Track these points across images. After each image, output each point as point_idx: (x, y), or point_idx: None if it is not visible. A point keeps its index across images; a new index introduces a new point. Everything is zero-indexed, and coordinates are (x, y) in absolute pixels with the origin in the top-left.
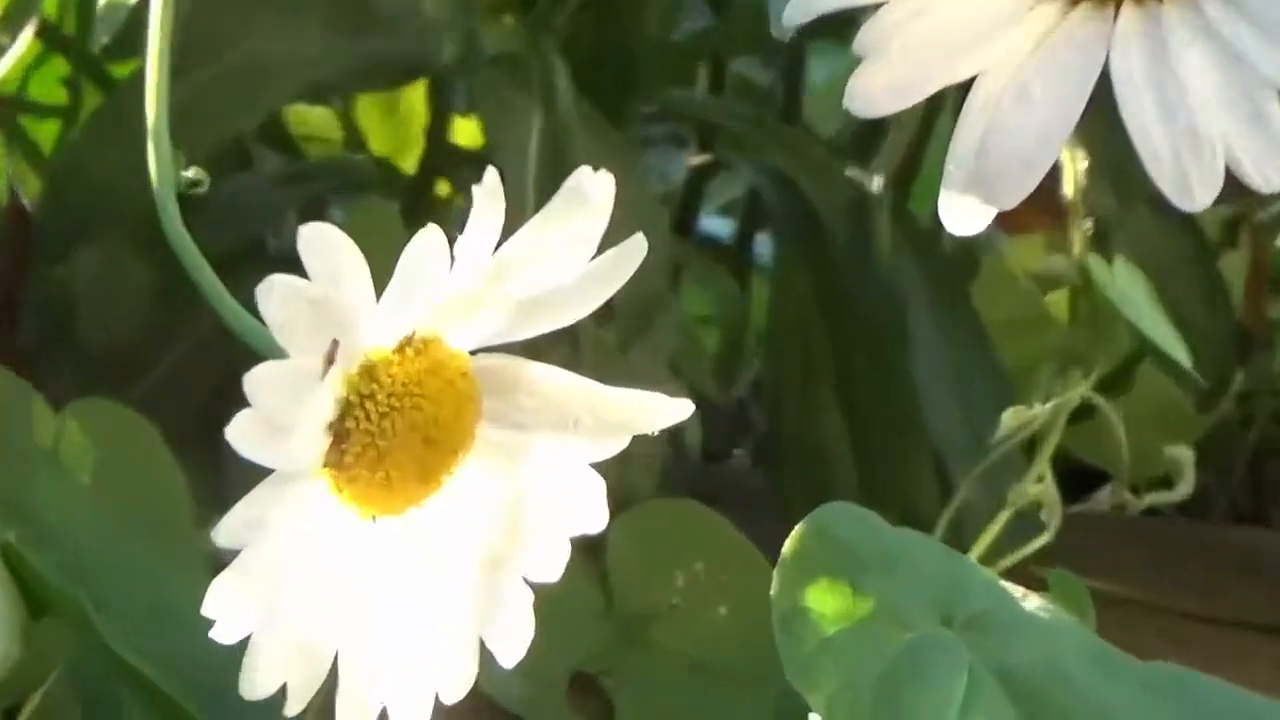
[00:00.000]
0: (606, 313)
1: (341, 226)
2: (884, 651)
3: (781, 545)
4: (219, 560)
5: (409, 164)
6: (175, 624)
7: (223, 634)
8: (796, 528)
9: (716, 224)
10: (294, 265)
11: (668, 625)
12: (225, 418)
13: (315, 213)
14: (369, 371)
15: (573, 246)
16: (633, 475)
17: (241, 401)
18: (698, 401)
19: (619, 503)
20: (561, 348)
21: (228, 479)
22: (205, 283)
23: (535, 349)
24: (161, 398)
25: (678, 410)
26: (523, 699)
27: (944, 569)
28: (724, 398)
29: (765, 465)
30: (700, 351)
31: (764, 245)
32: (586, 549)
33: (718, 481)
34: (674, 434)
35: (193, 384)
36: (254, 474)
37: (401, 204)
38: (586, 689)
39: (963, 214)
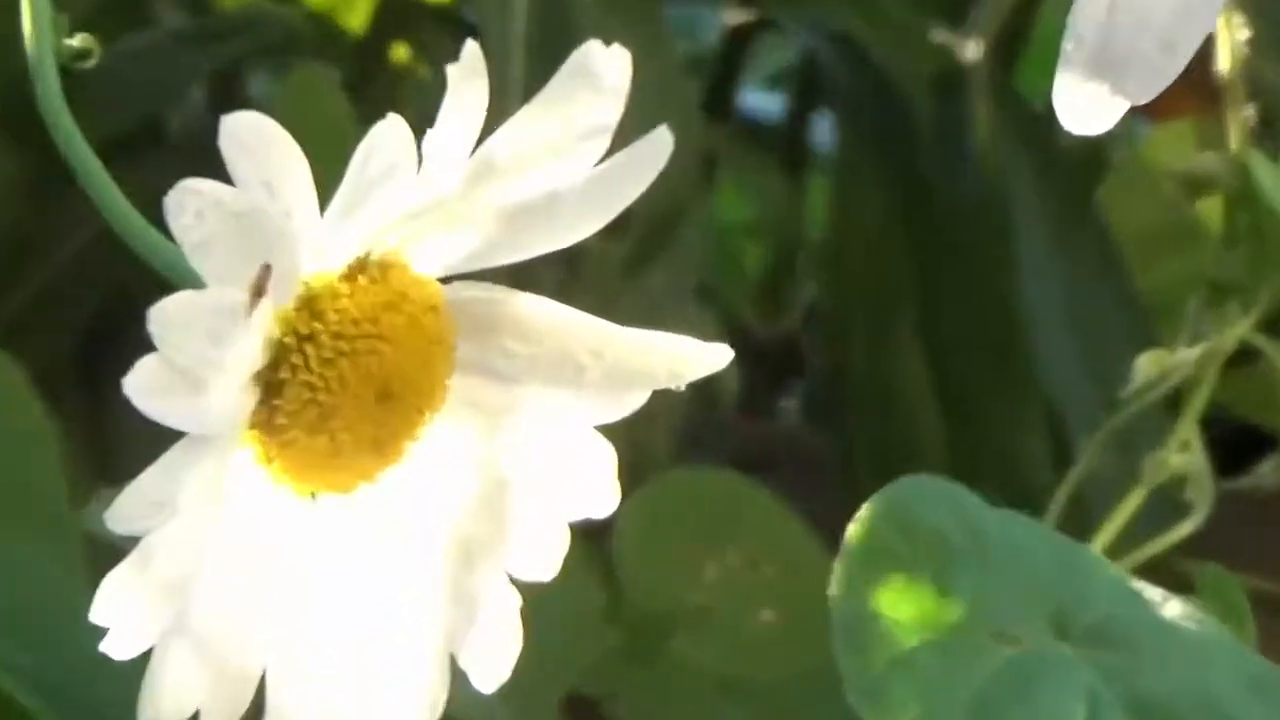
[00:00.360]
0: (616, 220)
1: (265, 106)
2: (978, 671)
3: (843, 527)
4: (107, 546)
5: (355, 21)
6: (45, 630)
7: (117, 646)
8: (864, 507)
9: (761, 101)
10: (203, 155)
11: (691, 633)
12: (114, 359)
13: (229, 86)
14: (309, 305)
15: (577, 143)
16: (647, 435)
17: (138, 340)
18: (735, 335)
19: (629, 473)
20: (553, 269)
21: (118, 440)
22: (92, 180)
23: (521, 273)
24: (27, 329)
25: (713, 357)
26: None
27: (1058, 563)
28: (769, 331)
29: (822, 421)
30: (739, 269)
31: (824, 130)
32: (587, 533)
33: (759, 443)
34: (702, 379)
35: (70, 312)
36: (157, 437)
37: (345, 74)
38: (585, 716)
39: (1084, 107)
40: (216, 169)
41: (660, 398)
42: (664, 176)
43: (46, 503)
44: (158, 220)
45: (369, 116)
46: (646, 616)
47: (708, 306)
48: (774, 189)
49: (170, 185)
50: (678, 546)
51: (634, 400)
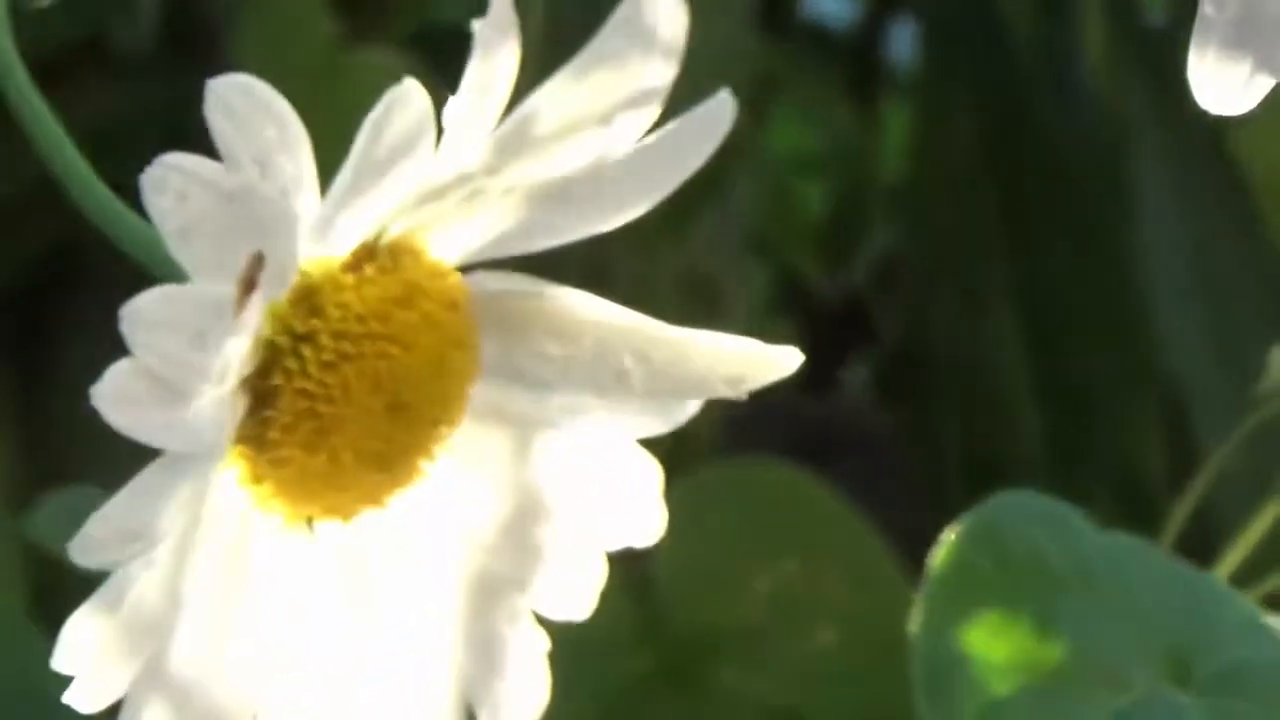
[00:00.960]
0: None
1: (230, 18)
2: None
3: (918, 528)
4: (51, 561)
5: None
6: None
7: (82, 698)
8: (951, 528)
9: (829, 6)
10: (156, 80)
11: (738, 657)
12: (54, 331)
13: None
14: (307, 299)
15: (624, 110)
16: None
17: (87, 311)
18: (791, 292)
19: (666, 466)
20: None
21: (61, 427)
22: (44, 134)
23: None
24: None
25: (781, 362)
26: None
27: (1178, 596)
28: (832, 288)
29: (894, 399)
30: (797, 214)
31: (903, 44)
32: None
33: (818, 425)
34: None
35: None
36: (103, 426)
37: None
38: None
39: (1224, 82)
40: (173, 94)
41: None
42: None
43: None
44: (109, 164)
45: (359, 30)
46: (686, 636)
47: (759, 258)
48: (841, 117)
49: (119, 120)
50: (723, 553)
51: (683, 411)
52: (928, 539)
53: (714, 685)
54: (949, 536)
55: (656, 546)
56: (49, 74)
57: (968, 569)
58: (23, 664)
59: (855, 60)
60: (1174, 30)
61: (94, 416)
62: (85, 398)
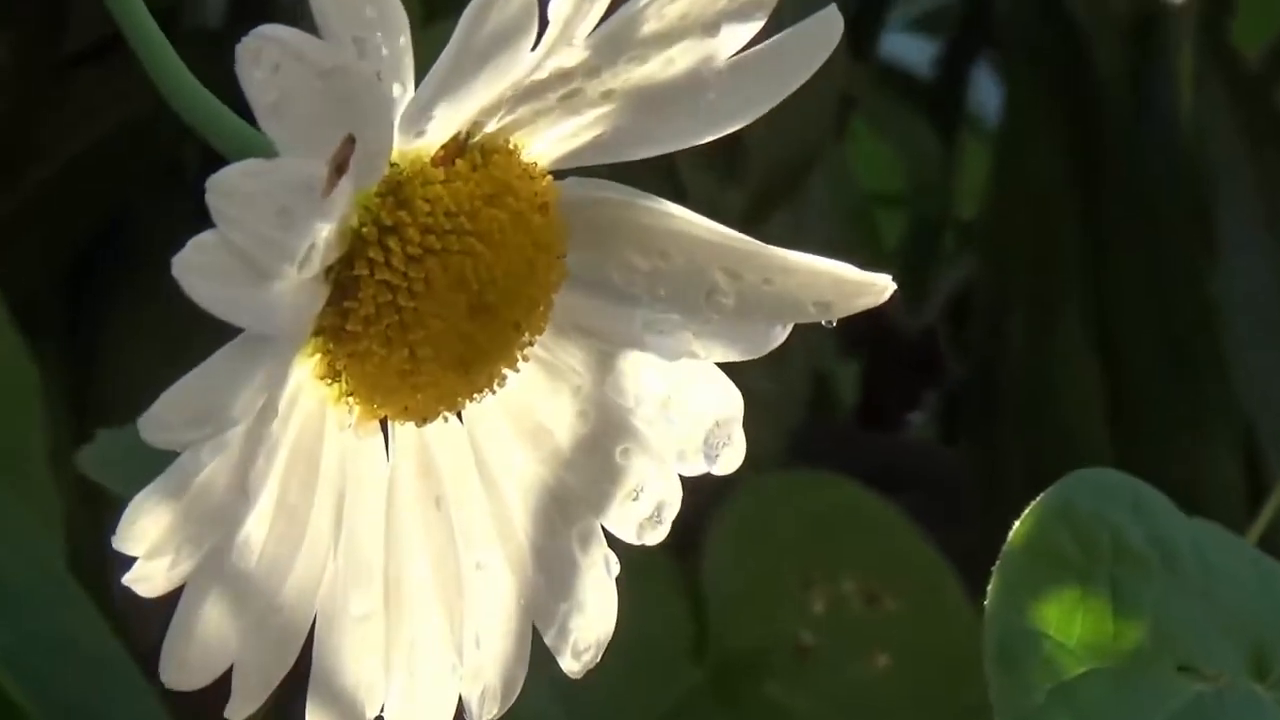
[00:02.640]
0: (730, 161)
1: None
2: (1157, 709)
3: (984, 567)
4: (99, 500)
5: None
6: (20, 600)
7: (141, 581)
8: (1031, 506)
9: (906, 47)
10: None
11: (790, 677)
12: (106, 290)
13: None
14: (396, 191)
15: (730, 19)
16: (755, 432)
17: (140, 267)
18: (862, 323)
19: (724, 479)
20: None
21: (107, 380)
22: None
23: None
24: (4, 250)
25: (872, 288)
26: None
27: (1263, 586)
28: (904, 321)
29: (963, 436)
30: (873, 240)
31: (986, 84)
32: (671, 548)
33: (882, 459)
34: (818, 378)
35: (56, 231)
36: (150, 376)
37: None
38: None
39: None
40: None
41: (775, 392)
42: (795, 112)
43: (22, 453)
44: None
45: None
46: (738, 653)
47: None
48: (921, 149)
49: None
50: (779, 569)
51: (772, 336)
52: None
53: (764, 703)
54: (1029, 512)
55: (712, 560)
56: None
57: (1046, 544)
58: (60, 616)
59: (934, 98)
60: (1266, 69)
61: (133, 368)
62: (126, 350)
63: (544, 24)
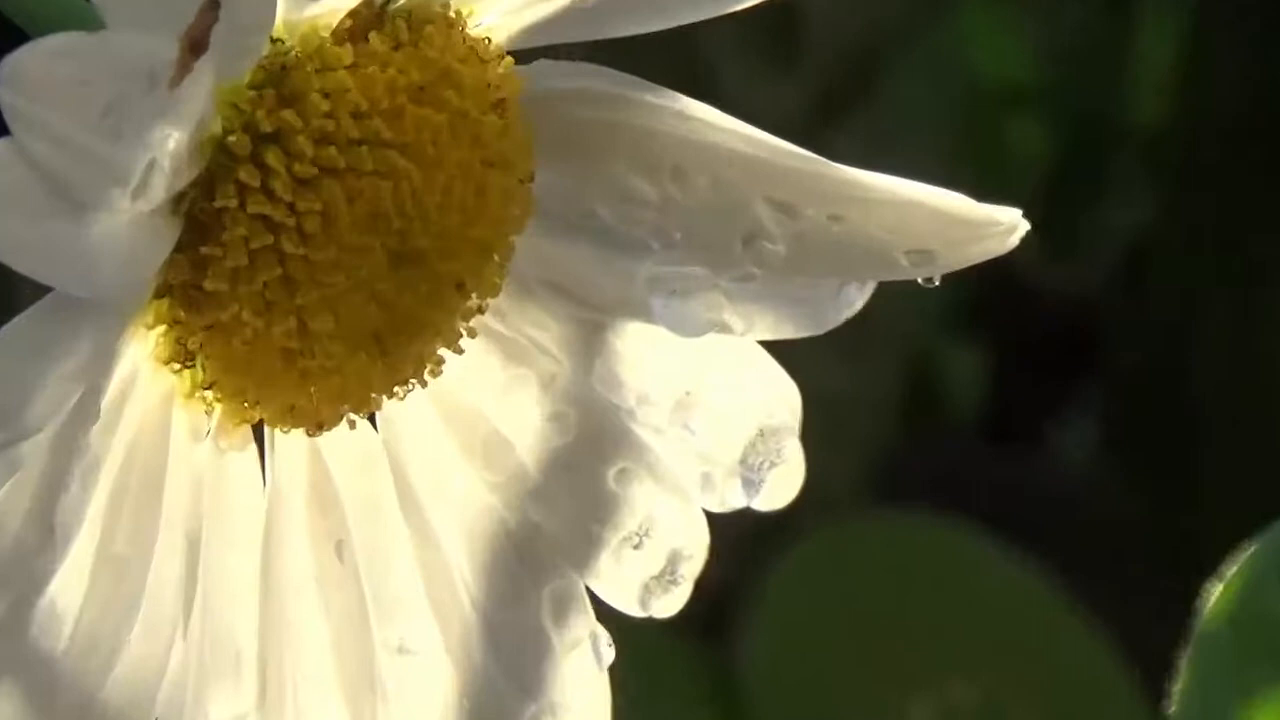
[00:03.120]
0: (782, 41)
1: None
2: None
3: (1164, 636)
4: None
5: None
6: None
7: None
8: (1236, 562)
9: None
10: None
11: None
12: None
13: None
14: (280, 80)
15: None
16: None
17: None
18: (985, 287)
19: (778, 524)
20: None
21: None
22: None
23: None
24: None
25: (1000, 227)
26: None
27: None
28: (1047, 283)
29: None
30: (996, 161)
31: None
32: (693, 623)
33: (1016, 491)
34: (915, 371)
35: None
36: None
37: None
38: None
39: None
40: None
41: (851, 391)
42: None
43: None
44: None
45: None
46: None
47: None
48: (1070, 22)
49: None
50: (856, 661)
51: (843, 301)
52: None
53: None
54: (1229, 576)
55: (757, 642)
56: None
57: (1252, 620)
58: None
59: None
60: None
61: None
62: None
63: None
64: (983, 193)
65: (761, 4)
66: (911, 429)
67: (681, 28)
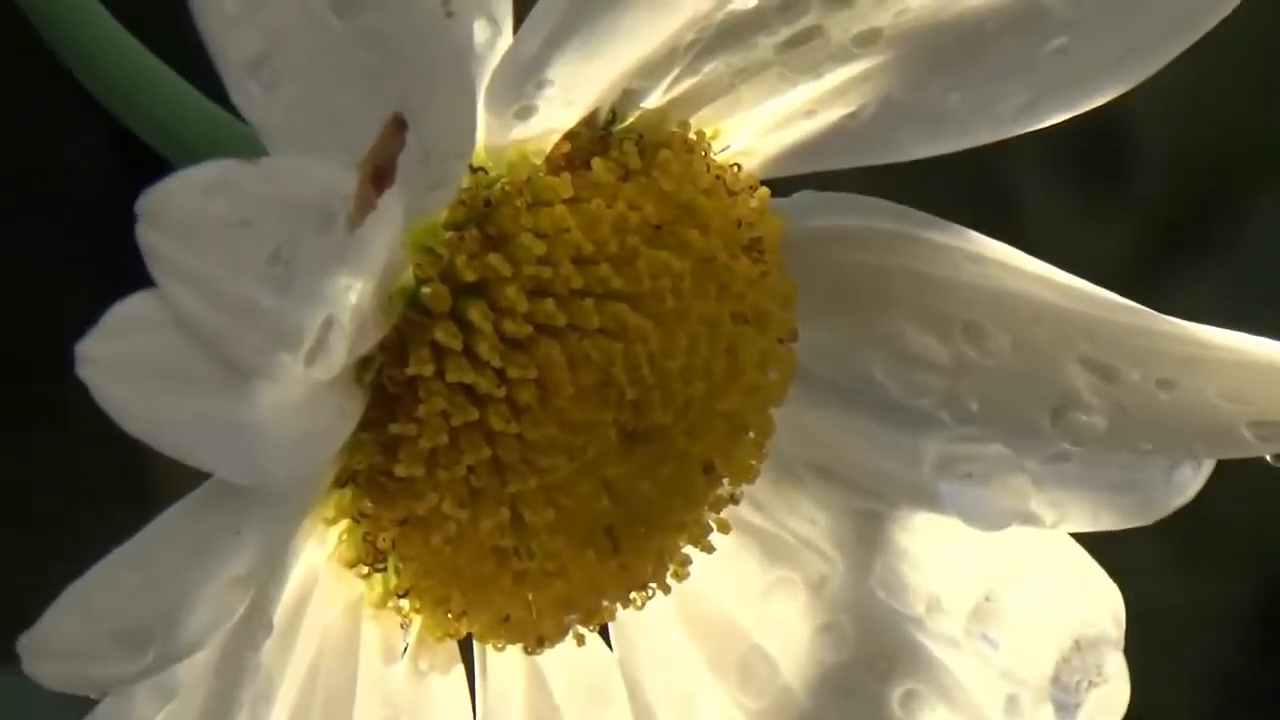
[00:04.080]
0: (1106, 166)
1: None
2: None
3: None
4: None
5: None
6: None
7: None
8: None
9: None
10: None
11: None
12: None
13: None
14: (484, 218)
15: None
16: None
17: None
18: None
19: None
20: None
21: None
22: None
23: None
24: None
25: None
26: None
27: None
28: None
29: None
30: None
31: None
32: None
33: None
34: (1270, 572)
35: None
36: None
37: None
38: None
39: None
40: None
41: (1189, 601)
42: (1223, 73)
43: None
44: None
45: None
46: None
47: None
48: None
49: None
50: None
51: (1175, 486)
52: None
53: None
54: None
55: None
56: None
57: None
58: None
59: None
60: None
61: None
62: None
63: None
64: None
65: (1077, 119)
66: (1260, 648)
67: (977, 150)
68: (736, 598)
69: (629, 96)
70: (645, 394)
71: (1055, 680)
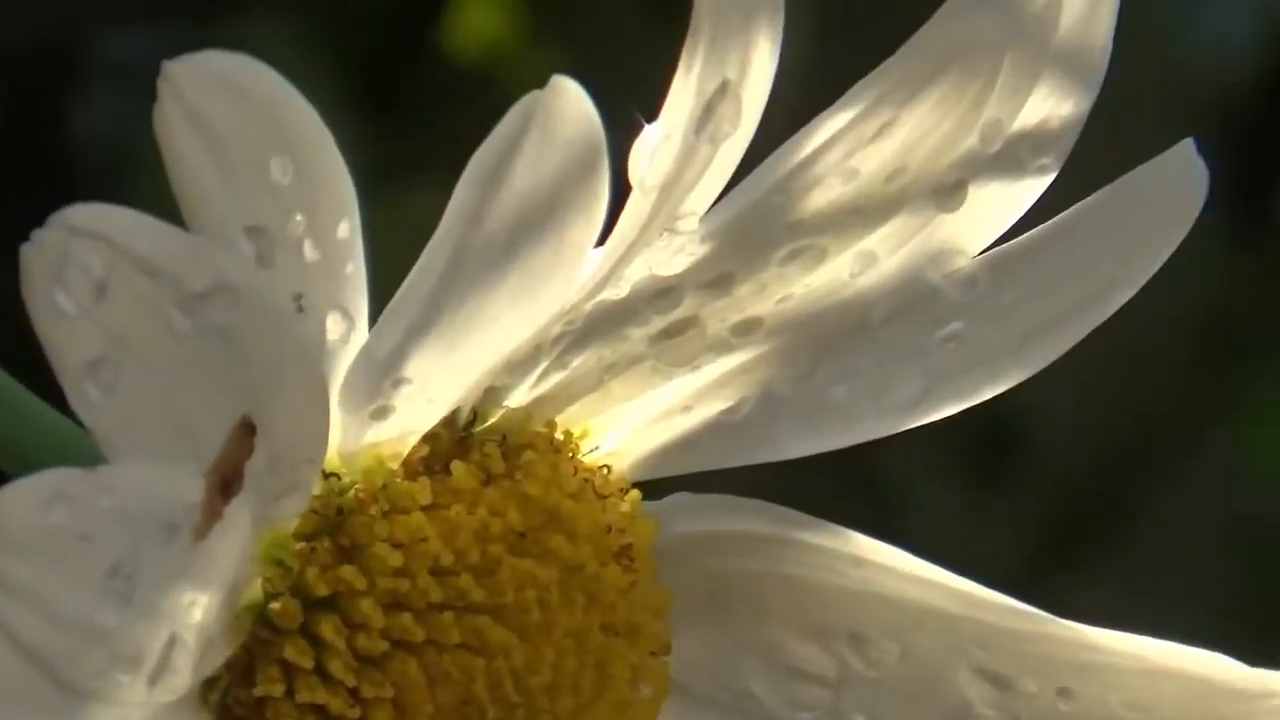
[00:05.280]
0: (993, 458)
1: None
2: None
3: None
4: None
5: None
6: None
7: None
8: None
9: None
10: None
11: None
12: None
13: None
14: (336, 528)
15: (991, 161)
16: None
17: None
18: None
19: None
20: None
21: None
22: None
23: None
24: None
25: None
26: None
27: None
28: None
29: None
30: None
31: None
32: None
33: None
34: None
35: None
36: None
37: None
38: None
39: None
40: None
41: None
42: (1120, 362)
43: None
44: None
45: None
46: None
47: None
48: None
49: None
50: None
51: None
52: None
53: None
54: None
55: None
56: None
57: None
58: None
59: None
60: None
61: None
62: None
63: (618, 194)
64: (1270, 646)
65: (963, 413)
66: None
67: (859, 446)
68: None
69: (491, 394)
70: (509, 713)
71: None
